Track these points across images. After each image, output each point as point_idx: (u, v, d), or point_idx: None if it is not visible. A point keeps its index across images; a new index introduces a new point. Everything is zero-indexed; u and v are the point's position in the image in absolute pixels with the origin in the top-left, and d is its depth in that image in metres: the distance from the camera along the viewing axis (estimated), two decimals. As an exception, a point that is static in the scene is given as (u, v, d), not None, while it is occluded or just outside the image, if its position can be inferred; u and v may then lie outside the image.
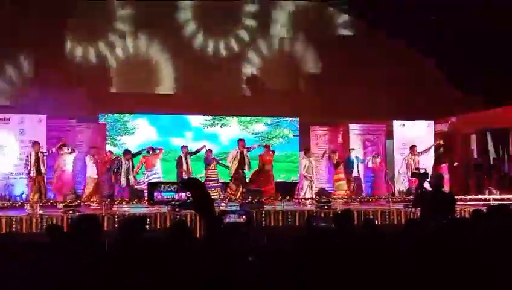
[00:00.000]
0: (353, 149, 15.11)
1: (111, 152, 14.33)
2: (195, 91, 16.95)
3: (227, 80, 17.47)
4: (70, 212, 11.16)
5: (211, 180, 13.88)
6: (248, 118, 17.71)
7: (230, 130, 17.46)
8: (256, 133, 17.57)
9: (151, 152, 13.93)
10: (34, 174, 12.63)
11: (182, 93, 17.42)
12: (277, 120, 17.86)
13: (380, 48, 16.78)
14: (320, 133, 16.51)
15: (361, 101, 16.32)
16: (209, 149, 14.39)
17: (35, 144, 12.88)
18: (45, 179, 12.91)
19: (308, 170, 14.20)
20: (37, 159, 12.66)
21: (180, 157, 13.91)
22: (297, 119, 17.74)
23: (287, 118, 17.85)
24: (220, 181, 14.20)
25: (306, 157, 14.33)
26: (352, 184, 14.60)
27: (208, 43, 17.52)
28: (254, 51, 17.88)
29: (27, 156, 12.78)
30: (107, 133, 16.04)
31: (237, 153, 13.93)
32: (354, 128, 16.23)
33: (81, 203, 12.10)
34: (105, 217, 10.77)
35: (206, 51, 17.53)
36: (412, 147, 14.81)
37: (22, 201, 12.57)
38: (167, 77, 17.47)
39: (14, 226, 10.42)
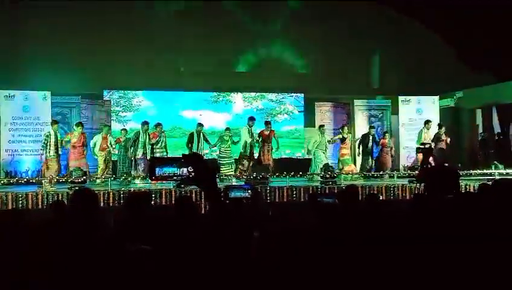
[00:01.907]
0: (373, 127, 15.04)
1: (125, 130, 14.21)
2: (200, 67, 16.88)
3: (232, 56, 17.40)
4: (76, 188, 11.20)
5: (224, 157, 13.96)
6: (253, 94, 17.68)
7: (235, 107, 17.46)
8: (261, 110, 17.54)
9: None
10: (55, 154, 12.65)
11: (187, 70, 17.37)
12: (282, 96, 17.81)
13: (386, 22, 16.64)
14: (325, 109, 16.45)
15: (366, 77, 16.25)
16: (227, 127, 14.41)
17: (54, 122, 12.91)
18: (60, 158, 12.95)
19: (320, 146, 14.13)
20: (56, 138, 12.68)
21: (192, 134, 13.96)
22: (302, 95, 17.69)
23: (292, 95, 17.81)
24: (233, 158, 14.22)
25: (320, 133, 14.23)
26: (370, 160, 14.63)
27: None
28: (259, 27, 17.74)
29: (47, 135, 12.74)
30: (112, 109, 16.03)
31: (247, 130, 13.94)
32: (358, 104, 16.19)
33: (87, 180, 12.13)
34: (111, 193, 10.83)
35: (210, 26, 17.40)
36: (427, 122, 14.69)
37: (27, 177, 12.62)
38: (172, 53, 17.39)
39: (20, 202, 10.48)
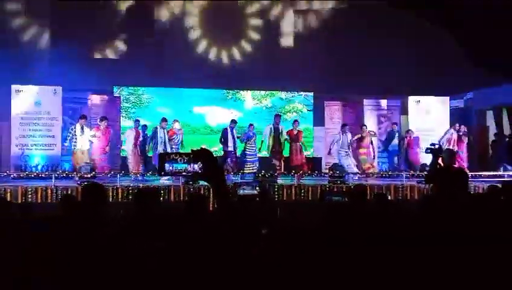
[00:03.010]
0: (395, 124, 15.15)
1: (145, 126, 14.37)
2: (209, 65, 16.89)
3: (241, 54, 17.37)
4: (85, 183, 11.23)
5: (249, 155, 13.98)
6: (262, 93, 17.67)
7: (245, 104, 17.45)
8: (270, 108, 17.52)
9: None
10: (81, 147, 12.78)
11: (196, 67, 17.37)
12: (291, 95, 17.79)
13: (397, 22, 16.56)
14: (334, 108, 16.41)
15: (376, 77, 16.18)
16: (250, 123, 14.45)
17: (83, 117, 13.07)
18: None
19: (343, 146, 14.11)
20: (82, 132, 12.78)
21: (225, 130, 14.02)
22: (312, 94, 17.66)
23: (301, 93, 17.78)
24: (258, 156, 14.24)
25: (341, 133, 14.20)
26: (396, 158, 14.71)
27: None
28: (271, 24, 17.73)
29: (71, 129, 12.90)
30: (121, 105, 16.08)
31: (272, 128, 13.98)
32: (368, 103, 16.14)
33: (96, 175, 12.17)
34: (119, 189, 10.86)
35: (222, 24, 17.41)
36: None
37: (37, 172, 12.69)
38: (181, 50, 17.41)
39: (29, 196, 10.54)
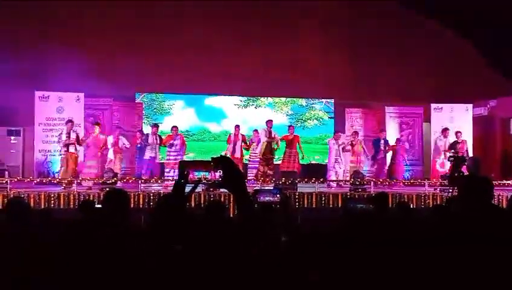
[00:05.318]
0: (383, 131, 14.98)
1: (141, 131, 14.40)
2: (230, 71, 16.92)
3: (262, 61, 17.36)
4: (107, 189, 11.32)
5: (253, 161, 14.03)
6: (283, 99, 17.63)
7: (264, 111, 17.40)
8: (291, 115, 17.48)
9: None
10: (67, 152, 12.76)
11: (217, 74, 17.44)
12: (312, 102, 17.73)
13: (419, 29, 16.48)
14: (355, 115, 16.34)
15: (398, 83, 16.10)
16: (255, 130, 14.49)
17: (69, 122, 13.03)
18: (77, 157, 13.07)
19: (336, 152, 14.17)
20: (69, 137, 12.77)
21: (229, 136, 14.14)
22: (332, 101, 17.58)
23: (322, 100, 17.71)
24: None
25: (335, 141, 14.30)
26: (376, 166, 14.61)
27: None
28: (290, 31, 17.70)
29: (60, 134, 12.94)
30: (144, 112, 16.18)
31: (266, 133, 13.96)
32: (390, 110, 16.04)
33: (118, 181, 12.27)
34: (141, 195, 10.94)
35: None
36: (444, 130, 14.66)
37: (59, 178, 12.82)
38: (203, 57, 17.49)
39: (52, 202, 10.66)
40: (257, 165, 13.98)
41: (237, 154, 13.86)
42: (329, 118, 17.62)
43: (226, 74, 16.81)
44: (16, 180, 12.18)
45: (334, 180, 13.75)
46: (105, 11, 15.71)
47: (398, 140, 14.92)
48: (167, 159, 13.65)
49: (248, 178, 13.37)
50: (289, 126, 14.57)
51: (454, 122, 15.44)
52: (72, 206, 10.62)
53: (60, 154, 13.04)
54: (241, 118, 16.84)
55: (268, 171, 13.73)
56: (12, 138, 15.03)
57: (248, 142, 14.21)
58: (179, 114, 16.83)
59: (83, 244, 2.90)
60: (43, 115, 13.97)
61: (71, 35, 15.54)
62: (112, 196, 3.65)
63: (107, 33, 15.83)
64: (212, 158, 2.61)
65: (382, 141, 14.54)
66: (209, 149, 15.51)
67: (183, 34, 16.55)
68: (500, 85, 15.64)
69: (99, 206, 5.79)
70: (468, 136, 15.01)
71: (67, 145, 12.66)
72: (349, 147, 14.23)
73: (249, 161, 14.17)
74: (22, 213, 4.23)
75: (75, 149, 12.83)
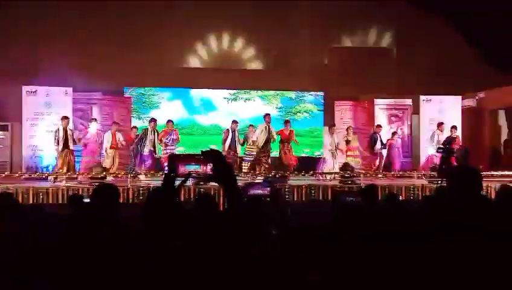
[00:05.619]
0: (380, 126, 14.95)
1: (135, 127, 14.34)
2: (219, 65, 16.89)
3: (252, 53, 17.34)
4: (96, 184, 11.24)
5: (249, 155, 13.99)
6: (272, 92, 17.58)
7: (254, 105, 17.37)
8: (280, 108, 17.46)
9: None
10: (62, 148, 12.68)
11: (206, 67, 17.38)
12: (301, 95, 17.70)
13: (408, 20, 16.50)
14: (344, 108, 16.35)
15: (387, 76, 16.12)
16: (250, 124, 14.44)
17: (64, 118, 12.95)
18: (73, 153, 12.99)
19: (330, 146, 14.17)
20: (65, 133, 12.72)
21: (227, 131, 14.05)
22: (322, 94, 17.56)
23: (312, 93, 17.69)
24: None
25: (329, 133, 14.28)
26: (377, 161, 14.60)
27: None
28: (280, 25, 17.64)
29: (56, 131, 12.81)
30: (132, 106, 16.09)
31: (264, 127, 13.92)
32: (379, 103, 16.06)
33: (107, 176, 12.21)
34: (130, 189, 10.89)
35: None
36: (439, 124, 14.63)
37: (48, 173, 12.74)
38: (192, 51, 17.44)
39: (41, 197, 10.59)
40: (253, 159, 13.95)
41: (238, 150, 13.90)
42: (318, 110, 17.60)
43: (215, 67, 16.79)
44: (3, 175, 12.10)
45: (323, 173, 13.74)
46: (93, 6, 15.59)
47: (394, 133, 14.94)
48: (164, 154, 13.60)
49: (243, 171, 13.37)
50: (285, 121, 14.55)
51: (444, 113, 15.47)
52: (61, 201, 10.55)
53: (56, 151, 12.84)
54: (231, 111, 16.82)
55: (265, 165, 13.75)
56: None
57: (244, 138, 14.16)
58: (167, 107, 16.74)
59: (83, 244, 2.87)
60: (31, 109, 13.87)
61: (59, 29, 15.43)
62: (102, 190, 3.62)
63: (96, 28, 15.73)
64: (202, 152, 2.60)
65: (379, 137, 14.54)
66: (199, 143, 15.45)
67: (172, 26, 16.47)
68: (488, 76, 15.69)
69: (88, 200, 5.76)
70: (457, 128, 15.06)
71: (66, 142, 12.62)
72: (343, 144, 14.22)
73: (245, 154, 14.09)
74: (11, 208, 4.19)
75: (73, 145, 12.82)
